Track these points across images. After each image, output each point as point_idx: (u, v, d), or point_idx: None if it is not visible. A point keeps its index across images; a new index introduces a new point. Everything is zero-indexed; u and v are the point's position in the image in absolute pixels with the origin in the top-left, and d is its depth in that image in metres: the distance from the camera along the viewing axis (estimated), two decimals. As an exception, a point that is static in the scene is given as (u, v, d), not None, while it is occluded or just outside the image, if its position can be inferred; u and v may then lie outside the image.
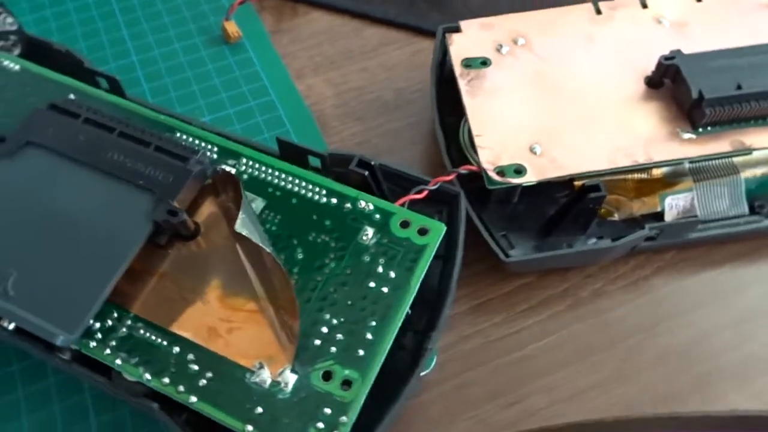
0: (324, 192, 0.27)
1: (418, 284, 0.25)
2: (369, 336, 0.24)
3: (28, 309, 0.24)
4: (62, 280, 0.24)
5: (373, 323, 0.24)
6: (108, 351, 0.24)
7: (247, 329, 0.25)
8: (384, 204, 0.27)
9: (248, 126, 0.36)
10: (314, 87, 0.38)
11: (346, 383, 0.23)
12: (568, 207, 0.29)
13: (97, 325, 0.25)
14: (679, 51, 0.31)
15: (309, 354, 0.24)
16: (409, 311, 0.27)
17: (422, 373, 0.29)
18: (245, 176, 0.28)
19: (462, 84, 0.32)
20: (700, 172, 0.31)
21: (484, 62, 0.32)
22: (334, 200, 0.27)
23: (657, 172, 0.32)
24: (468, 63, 0.32)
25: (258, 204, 0.27)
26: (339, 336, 0.24)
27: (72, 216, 0.25)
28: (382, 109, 0.37)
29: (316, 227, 0.27)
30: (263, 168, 0.28)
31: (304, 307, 0.25)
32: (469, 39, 0.33)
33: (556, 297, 0.31)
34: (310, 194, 0.27)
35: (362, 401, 0.23)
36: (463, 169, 0.29)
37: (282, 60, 0.39)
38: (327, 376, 0.24)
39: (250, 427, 0.23)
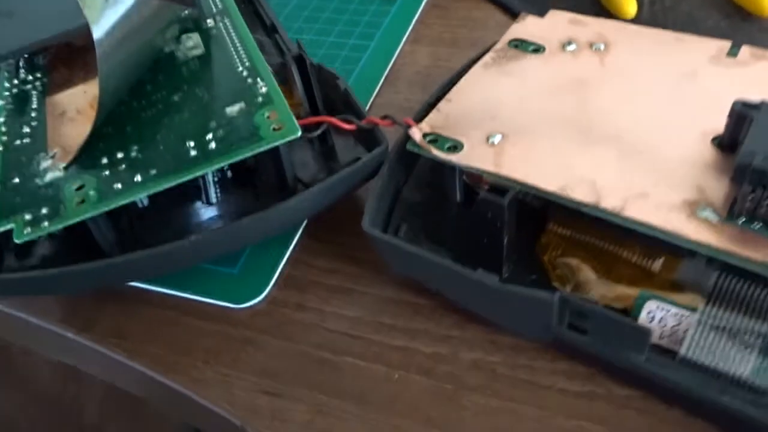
0: (248, 68, 0.25)
1: (218, 166, 0.21)
2: (138, 179, 0.21)
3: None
4: None
5: (153, 172, 0.21)
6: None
7: (82, 119, 0.24)
8: (274, 91, 0.23)
9: (326, 54, 0.35)
10: (416, 53, 0.35)
11: (82, 201, 0.21)
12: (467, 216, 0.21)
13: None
14: (771, 104, 0.19)
15: (91, 164, 0.22)
16: (216, 198, 0.23)
17: (234, 305, 0.24)
18: (214, 31, 0.27)
19: (487, 56, 0.26)
20: (726, 297, 0.19)
21: (537, 49, 0.26)
22: (250, 80, 0.24)
23: (658, 266, 0.21)
24: (517, 44, 0.26)
25: (196, 52, 0.26)
26: (123, 166, 0.22)
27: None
28: (455, 93, 0.32)
29: (211, 87, 0.25)
30: (233, 36, 0.27)
31: (126, 129, 0.23)
32: (543, 27, 0.27)
33: (431, 338, 0.22)
34: (239, 67, 0.25)
35: (73, 221, 0.21)
36: (402, 121, 0.24)
37: (413, 23, 0.37)
38: (80, 187, 0.22)
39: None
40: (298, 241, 0.26)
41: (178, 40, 0.27)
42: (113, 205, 0.21)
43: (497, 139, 0.22)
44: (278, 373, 0.22)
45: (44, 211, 0.21)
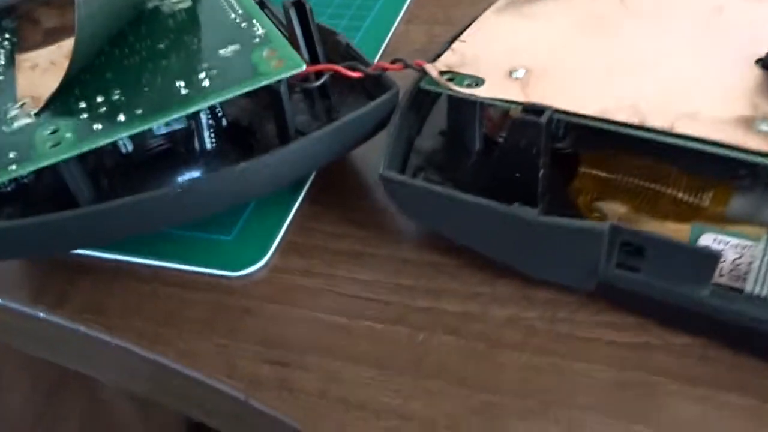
0: (241, 14, 0.23)
1: (213, 102, 0.19)
2: (121, 118, 0.19)
3: None
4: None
5: (138, 111, 0.19)
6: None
7: (56, 69, 0.22)
8: (271, 31, 0.21)
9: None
10: (411, 32, 0.34)
11: (56, 144, 0.18)
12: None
13: None
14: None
15: (66, 109, 0.20)
16: (212, 145, 0.20)
17: (229, 272, 0.21)
18: (204, -13, 0.25)
19: (500, 1, 0.24)
20: (792, 222, 0.17)
21: (551, -5, 0.24)
22: (244, 25, 0.22)
23: (707, 200, 0.18)
24: (529, -9, 0.25)
25: (183, 5, 0.24)
26: (104, 109, 0.19)
27: None
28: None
29: (201, 34, 0.22)
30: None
31: (106, 76, 0.21)
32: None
33: (458, 297, 0.20)
34: (231, 14, 0.23)
35: (43, 164, 0.18)
36: (415, 64, 0.22)
37: (406, 5, 0.36)
38: (54, 132, 0.19)
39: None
40: (298, 207, 0.23)
41: (162, -4, 0.25)
42: (93, 146, 0.18)
43: (521, 73, 0.20)
44: (284, 341, 0.19)
45: (12, 155, 0.18)
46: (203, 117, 0.20)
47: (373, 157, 0.23)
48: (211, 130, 0.21)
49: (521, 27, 0.23)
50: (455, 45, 0.22)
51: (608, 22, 0.22)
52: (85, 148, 0.18)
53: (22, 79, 0.22)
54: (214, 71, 0.20)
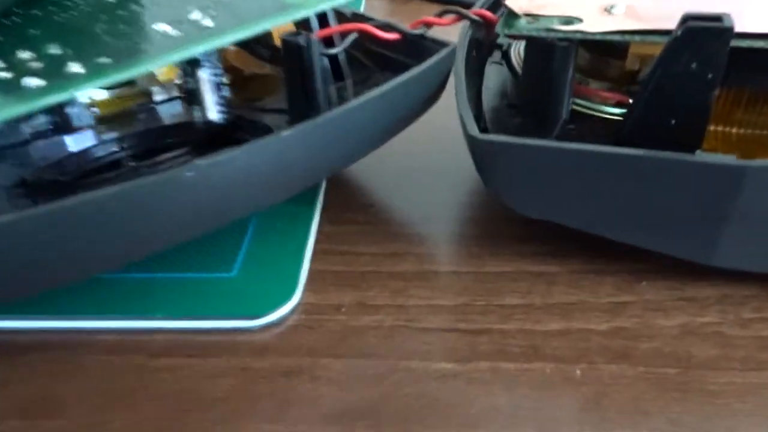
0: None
1: (235, 38, 0.12)
2: (76, 69, 0.11)
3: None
4: None
5: (103, 60, 0.11)
6: None
7: None
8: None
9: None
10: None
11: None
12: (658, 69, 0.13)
13: None
14: None
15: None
16: (221, 112, 0.13)
17: (248, 321, 0.14)
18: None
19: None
20: None
21: None
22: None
23: None
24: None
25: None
26: (36, 65, 0.12)
27: None
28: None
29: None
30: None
31: (27, 33, 0.14)
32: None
33: (597, 312, 0.14)
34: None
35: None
36: (472, 13, 0.16)
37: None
38: None
39: None
40: (318, 228, 0.17)
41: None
42: (38, 105, 0.10)
43: (621, 9, 0.15)
44: (375, 411, 0.12)
45: None
46: (206, 74, 0.13)
47: (373, 161, 0.17)
48: (219, 93, 0.13)
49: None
50: (516, -9, 0.17)
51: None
52: (24, 109, 0.10)
53: None
54: (212, 11, 0.13)
